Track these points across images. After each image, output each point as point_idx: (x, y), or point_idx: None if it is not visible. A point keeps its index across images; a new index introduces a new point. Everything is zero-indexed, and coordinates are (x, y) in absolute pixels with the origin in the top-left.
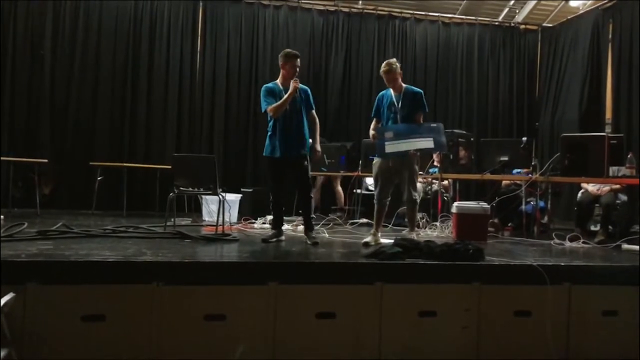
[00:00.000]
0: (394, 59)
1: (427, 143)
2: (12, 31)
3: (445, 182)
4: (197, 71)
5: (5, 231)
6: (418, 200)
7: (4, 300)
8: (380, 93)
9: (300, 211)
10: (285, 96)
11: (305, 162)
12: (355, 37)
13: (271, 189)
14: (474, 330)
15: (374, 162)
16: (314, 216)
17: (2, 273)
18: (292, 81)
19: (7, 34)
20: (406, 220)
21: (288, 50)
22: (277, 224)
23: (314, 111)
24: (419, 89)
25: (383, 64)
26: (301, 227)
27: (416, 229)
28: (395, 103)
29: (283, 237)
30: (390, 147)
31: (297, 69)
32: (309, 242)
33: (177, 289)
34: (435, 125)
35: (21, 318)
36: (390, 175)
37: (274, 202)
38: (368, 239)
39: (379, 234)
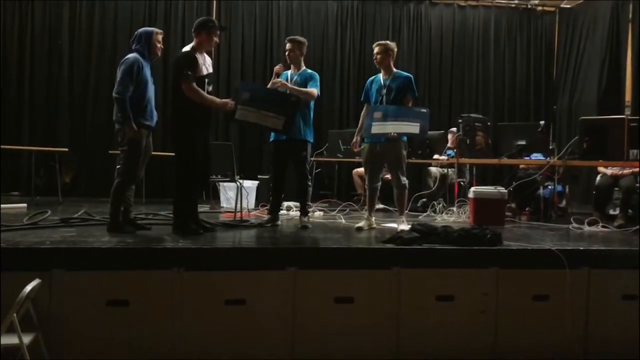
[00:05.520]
0: (394, 43)
1: (413, 128)
2: (30, 26)
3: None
4: (212, 59)
5: (29, 219)
6: (407, 185)
7: (30, 286)
8: (370, 78)
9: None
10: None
11: (304, 152)
12: (369, 23)
13: (271, 174)
14: (492, 314)
15: (362, 147)
16: (309, 203)
17: (27, 260)
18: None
19: (25, 28)
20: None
21: None
22: (273, 209)
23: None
24: (408, 74)
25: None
26: (317, 214)
27: (406, 212)
28: (384, 86)
29: (279, 222)
30: (377, 129)
31: (287, 52)
32: (299, 225)
33: (198, 274)
34: (424, 110)
35: (47, 303)
36: (378, 160)
37: (272, 186)
38: (361, 223)
39: (373, 219)
